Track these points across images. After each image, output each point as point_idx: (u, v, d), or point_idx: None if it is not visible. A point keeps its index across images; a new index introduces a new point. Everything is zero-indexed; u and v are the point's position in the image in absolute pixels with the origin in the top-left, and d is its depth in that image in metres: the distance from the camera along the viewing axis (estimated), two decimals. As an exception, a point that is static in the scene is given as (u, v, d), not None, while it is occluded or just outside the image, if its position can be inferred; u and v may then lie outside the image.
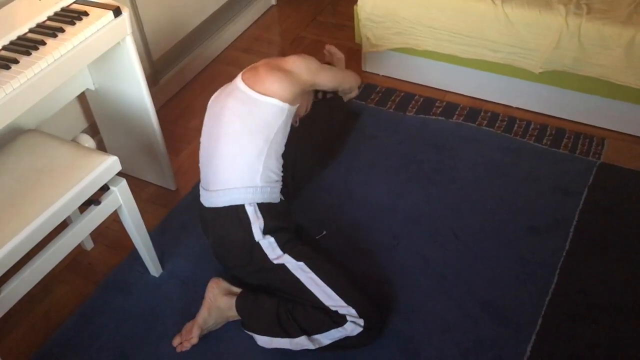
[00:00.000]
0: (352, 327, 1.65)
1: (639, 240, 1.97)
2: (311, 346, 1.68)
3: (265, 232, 1.75)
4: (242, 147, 1.77)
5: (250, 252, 1.75)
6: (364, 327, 1.66)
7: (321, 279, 1.69)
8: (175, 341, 1.78)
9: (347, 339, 1.67)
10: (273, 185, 1.82)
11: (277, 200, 1.85)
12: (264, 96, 1.78)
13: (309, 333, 1.68)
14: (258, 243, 1.74)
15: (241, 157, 1.77)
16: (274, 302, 1.73)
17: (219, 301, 1.79)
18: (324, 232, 2.04)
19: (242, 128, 1.78)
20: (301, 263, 1.72)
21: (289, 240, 1.78)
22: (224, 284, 1.82)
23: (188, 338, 1.76)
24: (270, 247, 1.75)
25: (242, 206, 1.76)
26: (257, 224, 1.75)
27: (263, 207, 1.78)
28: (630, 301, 1.81)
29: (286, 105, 1.80)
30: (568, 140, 2.34)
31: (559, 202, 2.10)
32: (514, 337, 1.75)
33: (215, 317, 1.79)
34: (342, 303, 1.66)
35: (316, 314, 1.67)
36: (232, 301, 1.78)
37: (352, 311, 1.66)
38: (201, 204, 1.86)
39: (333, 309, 1.66)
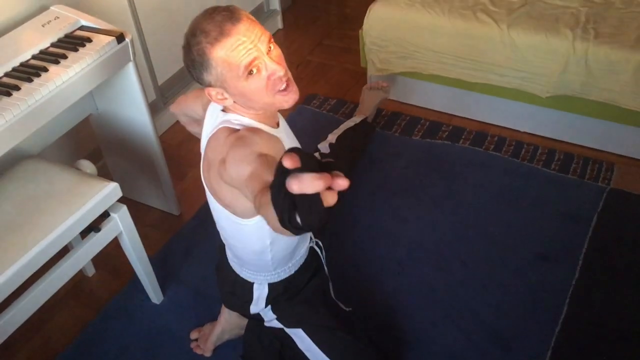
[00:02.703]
0: None
1: (651, 268, 1.92)
2: None
3: (266, 304, 1.59)
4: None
5: (249, 309, 1.62)
6: None
7: (319, 347, 1.56)
8: (193, 335, 1.84)
9: None
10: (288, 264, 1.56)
11: (295, 270, 1.59)
12: None
13: None
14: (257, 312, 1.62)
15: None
16: (277, 344, 1.66)
17: (234, 320, 1.78)
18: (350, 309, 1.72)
19: None
20: (298, 330, 1.58)
21: (285, 307, 1.59)
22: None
23: (203, 347, 1.80)
24: (265, 315, 1.62)
25: (251, 284, 1.58)
26: (260, 299, 1.58)
27: (274, 285, 1.58)
28: (643, 332, 1.76)
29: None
30: (577, 166, 2.31)
31: (568, 229, 2.06)
32: (522, 369, 1.70)
33: (230, 333, 1.80)
34: None
35: None
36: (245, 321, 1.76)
37: None
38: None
39: None
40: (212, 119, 1.37)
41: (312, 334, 1.58)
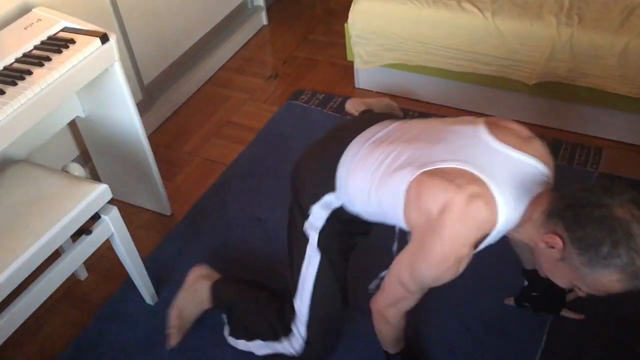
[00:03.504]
0: (287, 345, 1.64)
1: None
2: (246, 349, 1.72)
3: (326, 219, 1.51)
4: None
5: (302, 201, 1.53)
6: (306, 340, 1.62)
7: (312, 287, 1.56)
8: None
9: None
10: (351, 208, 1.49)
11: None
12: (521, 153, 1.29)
13: (248, 337, 1.71)
14: (312, 208, 1.51)
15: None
16: (238, 299, 1.75)
17: (197, 283, 1.81)
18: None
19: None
20: (321, 258, 1.53)
21: (332, 240, 1.53)
22: (206, 269, 1.84)
23: (169, 326, 1.79)
24: (315, 218, 1.51)
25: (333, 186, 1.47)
26: (325, 207, 1.50)
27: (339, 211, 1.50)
28: (635, 313, 1.77)
29: (545, 170, 1.31)
30: (565, 152, 2.32)
31: (558, 214, 2.07)
32: (518, 355, 1.71)
33: (192, 302, 1.80)
34: (303, 319, 1.59)
35: (262, 321, 1.69)
36: (209, 283, 1.80)
37: (302, 333, 1.61)
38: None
39: (286, 319, 1.63)
40: None
41: (319, 276, 1.54)
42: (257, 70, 3.04)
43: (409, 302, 1.42)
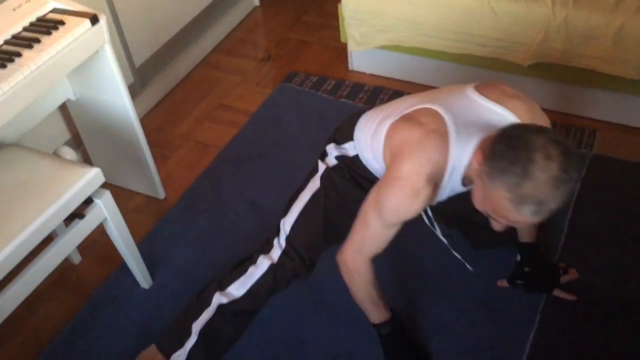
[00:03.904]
0: (263, 261, 1.63)
1: (634, 231, 1.95)
2: (224, 300, 1.64)
3: (338, 159, 1.62)
4: None
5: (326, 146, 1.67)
6: (284, 249, 1.62)
7: (301, 208, 1.62)
8: None
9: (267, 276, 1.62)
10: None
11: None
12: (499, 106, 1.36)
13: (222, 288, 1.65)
14: (329, 148, 1.66)
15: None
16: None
17: None
18: None
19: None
20: (319, 187, 1.61)
21: (336, 180, 1.61)
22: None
23: None
24: (330, 157, 1.63)
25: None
26: (341, 151, 1.62)
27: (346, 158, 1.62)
28: (627, 295, 1.78)
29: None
30: (559, 133, 2.31)
31: (552, 196, 2.08)
32: (512, 336, 1.72)
33: None
34: (285, 233, 1.62)
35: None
36: None
37: (282, 243, 1.62)
38: None
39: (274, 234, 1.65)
40: None
41: (317, 197, 1.61)
42: (250, 53, 3.01)
43: (373, 243, 1.46)
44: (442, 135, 1.32)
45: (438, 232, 1.67)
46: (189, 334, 1.66)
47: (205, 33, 2.97)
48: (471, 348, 1.70)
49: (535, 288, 1.76)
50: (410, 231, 1.98)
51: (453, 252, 1.72)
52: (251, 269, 1.65)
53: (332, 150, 1.64)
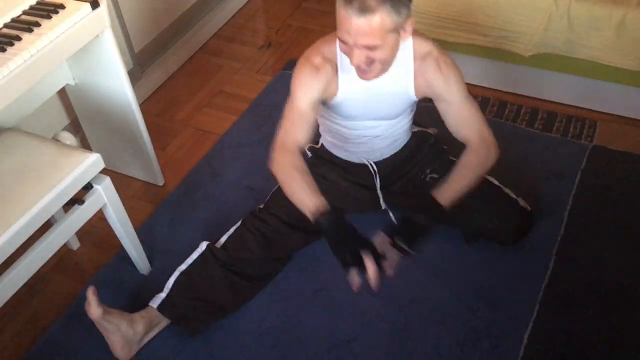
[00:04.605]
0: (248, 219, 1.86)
1: (634, 222, 1.95)
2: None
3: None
4: None
5: None
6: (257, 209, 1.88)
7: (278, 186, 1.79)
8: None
9: None
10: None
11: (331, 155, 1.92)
12: None
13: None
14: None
15: None
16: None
17: (123, 327, 1.68)
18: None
19: None
20: None
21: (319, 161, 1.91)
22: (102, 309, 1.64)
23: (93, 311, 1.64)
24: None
25: None
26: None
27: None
28: (627, 285, 1.79)
29: None
30: (560, 124, 2.32)
31: (552, 187, 2.08)
32: (510, 325, 1.73)
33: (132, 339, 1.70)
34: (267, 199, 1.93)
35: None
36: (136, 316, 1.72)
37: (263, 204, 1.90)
38: None
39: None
40: None
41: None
42: (250, 39, 2.99)
43: (292, 129, 1.60)
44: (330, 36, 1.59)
45: (391, 216, 1.88)
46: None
47: (205, 19, 2.95)
48: (469, 336, 1.71)
49: (412, 237, 1.56)
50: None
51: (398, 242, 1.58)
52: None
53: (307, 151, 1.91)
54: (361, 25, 1.35)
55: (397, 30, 1.42)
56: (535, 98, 2.45)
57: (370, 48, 1.40)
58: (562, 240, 1.91)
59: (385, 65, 1.51)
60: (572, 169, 2.13)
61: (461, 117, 1.64)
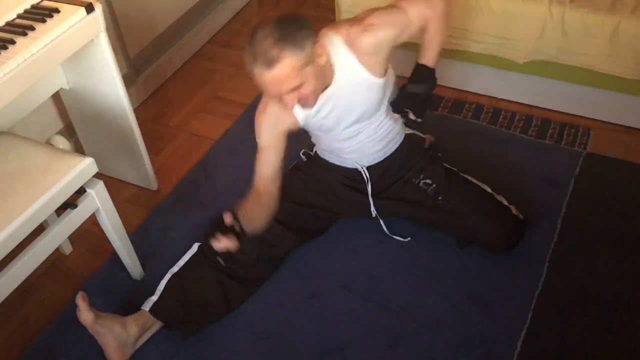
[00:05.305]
0: None
1: (627, 229, 1.95)
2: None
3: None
4: None
5: None
6: None
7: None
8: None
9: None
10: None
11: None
12: None
13: None
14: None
15: None
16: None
17: (116, 330, 1.68)
18: None
19: None
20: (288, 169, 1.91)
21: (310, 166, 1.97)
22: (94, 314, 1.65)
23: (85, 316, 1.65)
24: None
25: None
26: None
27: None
28: (620, 292, 1.79)
29: None
30: (554, 131, 2.32)
31: (546, 194, 2.08)
32: (504, 331, 1.72)
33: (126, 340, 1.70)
34: None
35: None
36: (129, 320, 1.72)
37: None
38: None
39: None
40: None
41: (294, 172, 1.94)
42: (246, 45, 2.98)
43: (257, 169, 1.75)
44: None
45: (382, 223, 1.94)
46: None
47: (200, 24, 2.95)
48: (463, 343, 1.71)
49: (404, 103, 1.79)
50: (404, 228, 1.99)
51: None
52: None
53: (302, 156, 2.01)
54: (275, 76, 1.42)
55: (309, 62, 1.46)
56: (529, 105, 2.45)
57: (295, 88, 1.46)
58: (556, 247, 1.92)
59: (319, 89, 1.56)
60: (566, 176, 2.14)
61: (413, 18, 1.64)
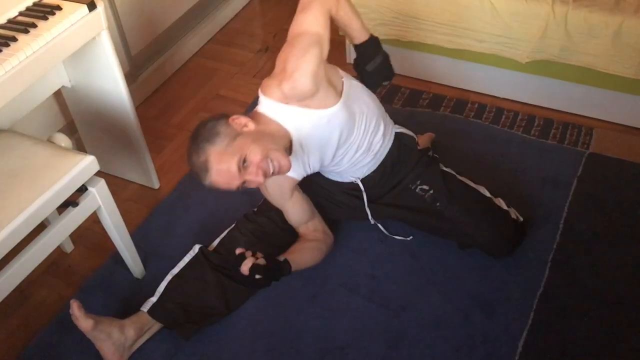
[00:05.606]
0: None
1: (629, 230, 1.95)
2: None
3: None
4: None
5: None
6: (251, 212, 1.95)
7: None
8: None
9: None
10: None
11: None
12: None
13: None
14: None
15: None
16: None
17: (115, 334, 1.68)
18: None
19: None
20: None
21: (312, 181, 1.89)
22: (92, 320, 1.65)
23: (82, 321, 1.65)
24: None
25: None
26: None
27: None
28: (622, 293, 1.79)
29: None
30: (556, 131, 2.32)
31: (548, 194, 2.08)
32: (505, 332, 1.72)
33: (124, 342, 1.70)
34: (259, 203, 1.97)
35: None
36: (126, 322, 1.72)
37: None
38: None
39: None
40: None
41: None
42: (247, 44, 2.99)
43: (289, 213, 1.85)
44: None
45: (381, 227, 1.97)
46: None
47: (202, 23, 2.94)
48: (465, 344, 1.70)
49: (376, 81, 1.83)
50: (406, 228, 1.99)
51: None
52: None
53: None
54: (216, 171, 1.49)
55: (233, 138, 1.50)
56: (531, 105, 2.45)
57: (241, 163, 1.48)
58: (558, 248, 1.91)
59: (279, 149, 1.54)
60: (568, 176, 2.13)
61: (318, 26, 1.54)
